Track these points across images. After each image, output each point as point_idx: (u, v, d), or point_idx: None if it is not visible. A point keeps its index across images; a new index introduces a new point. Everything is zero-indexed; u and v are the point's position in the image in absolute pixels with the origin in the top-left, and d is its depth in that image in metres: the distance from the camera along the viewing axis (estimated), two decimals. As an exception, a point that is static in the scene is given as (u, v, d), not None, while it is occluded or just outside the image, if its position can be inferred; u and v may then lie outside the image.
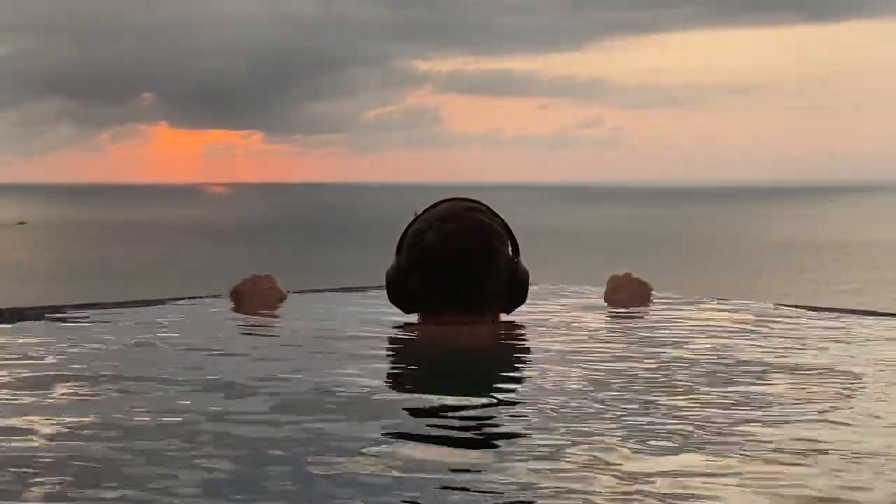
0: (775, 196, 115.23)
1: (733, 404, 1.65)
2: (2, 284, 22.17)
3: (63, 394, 1.73)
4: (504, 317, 2.40)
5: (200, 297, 2.91)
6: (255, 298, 2.76)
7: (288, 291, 2.86)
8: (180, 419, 1.53)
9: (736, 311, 2.86)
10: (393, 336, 2.33)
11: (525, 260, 2.42)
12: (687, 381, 1.84)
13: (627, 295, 2.89)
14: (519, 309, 2.49)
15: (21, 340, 2.23)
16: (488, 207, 2.37)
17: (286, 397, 1.68)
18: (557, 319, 2.62)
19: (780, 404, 1.68)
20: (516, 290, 2.33)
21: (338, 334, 2.35)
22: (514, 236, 2.36)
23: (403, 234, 2.36)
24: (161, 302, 2.88)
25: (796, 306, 2.91)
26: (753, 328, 2.51)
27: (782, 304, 2.96)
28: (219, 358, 2.05)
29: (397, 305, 2.38)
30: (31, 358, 2.04)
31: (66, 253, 30.86)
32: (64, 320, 2.57)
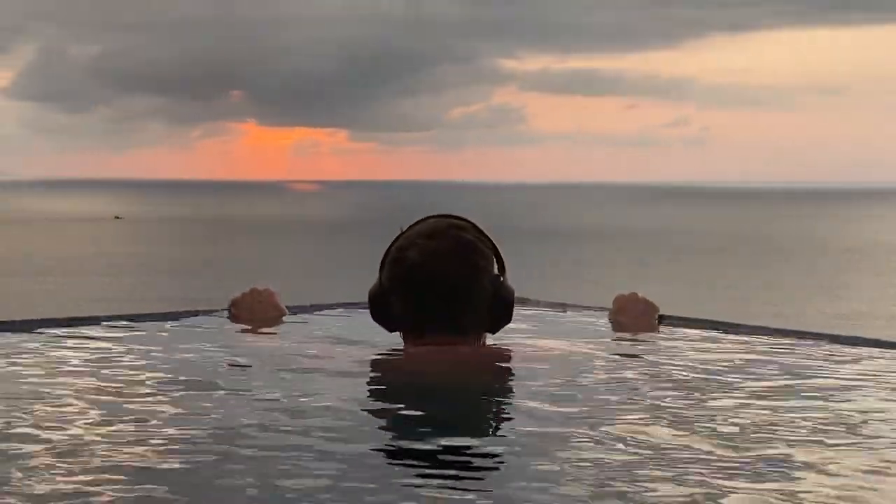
0: (864, 198, 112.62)
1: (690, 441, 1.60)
2: (103, 278, 23.04)
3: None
4: (490, 337, 2.35)
5: (196, 312, 2.88)
6: (252, 312, 2.75)
7: (287, 306, 2.83)
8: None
9: (735, 340, 2.70)
10: (370, 359, 2.28)
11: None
12: (667, 422, 1.75)
13: (632, 317, 2.81)
14: (514, 329, 2.45)
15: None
16: (474, 225, 2.32)
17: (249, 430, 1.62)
18: (550, 342, 2.55)
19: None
20: (500, 310, 2.27)
21: (318, 356, 2.31)
22: (499, 254, 2.31)
23: (387, 251, 2.31)
24: (159, 317, 2.85)
25: (813, 334, 2.77)
26: (741, 360, 2.37)
27: (792, 332, 2.81)
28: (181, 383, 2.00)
29: (380, 324, 2.32)
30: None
31: (159, 248, 31.80)
32: (68, 337, 2.54)
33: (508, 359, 2.30)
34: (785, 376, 2.21)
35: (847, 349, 2.57)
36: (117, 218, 50.01)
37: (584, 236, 38.62)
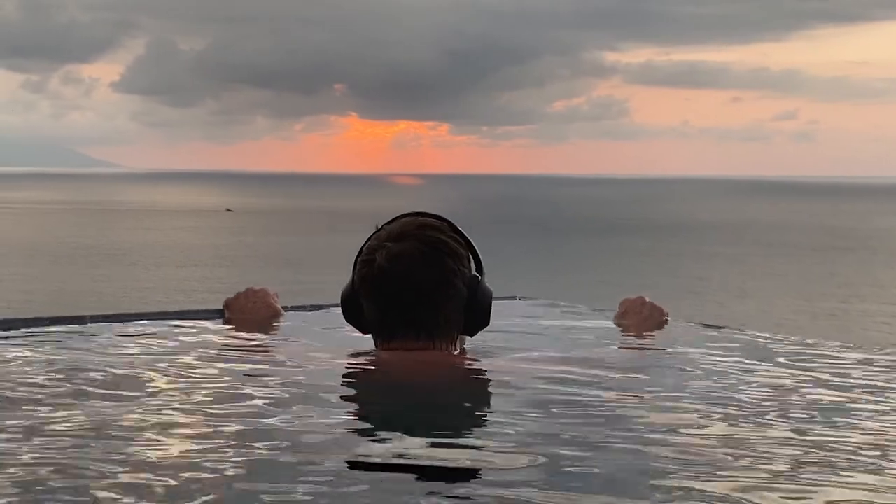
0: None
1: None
2: (217, 269, 23.79)
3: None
4: (469, 340, 2.28)
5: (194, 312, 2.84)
6: (245, 313, 2.73)
7: (284, 307, 2.80)
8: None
9: (736, 343, 2.58)
10: (339, 365, 2.21)
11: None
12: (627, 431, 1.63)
13: (637, 320, 2.74)
14: (511, 331, 2.44)
15: None
16: (450, 223, 2.25)
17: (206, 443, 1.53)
18: (537, 347, 2.45)
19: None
20: (477, 312, 2.19)
21: (287, 360, 2.25)
22: (477, 255, 2.24)
23: (360, 249, 2.25)
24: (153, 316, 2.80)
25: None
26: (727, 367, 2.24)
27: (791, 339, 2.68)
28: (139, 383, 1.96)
29: (353, 325, 2.28)
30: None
31: (269, 239, 32.59)
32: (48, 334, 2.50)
33: (477, 366, 2.20)
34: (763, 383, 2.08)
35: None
36: (228, 210, 51.39)
37: (683, 230, 38.29)
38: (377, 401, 1.91)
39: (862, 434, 1.67)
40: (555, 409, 1.76)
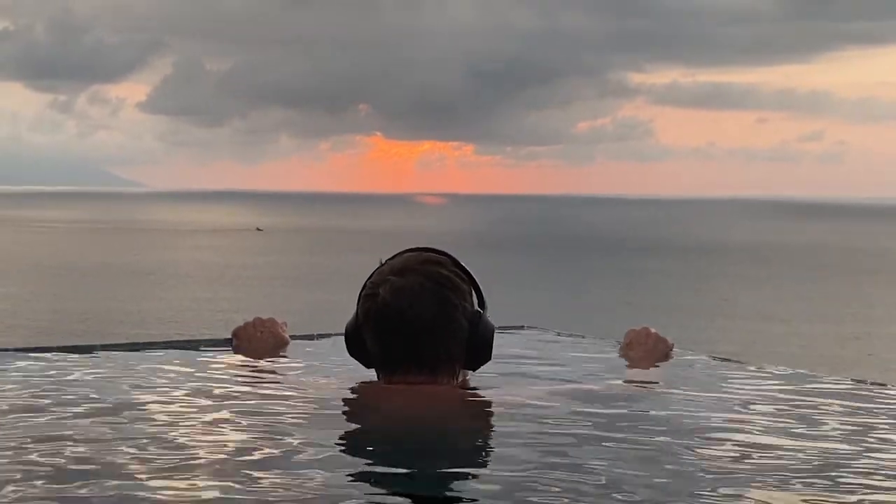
0: None
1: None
2: (252, 288, 24.03)
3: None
4: (471, 374, 2.28)
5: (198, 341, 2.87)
6: (253, 342, 2.75)
7: (291, 336, 2.80)
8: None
9: (751, 377, 2.55)
10: (339, 398, 2.23)
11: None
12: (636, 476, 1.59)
13: (642, 352, 2.72)
14: (515, 362, 2.50)
15: None
16: (452, 258, 2.27)
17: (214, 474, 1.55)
18: (543, 379, 2.44)
19: None
20: (479, 347, 2.21)
21: (289, 393, 2.26)
22: (479, 290, 2.26)
23: (364, 284, 2.27)
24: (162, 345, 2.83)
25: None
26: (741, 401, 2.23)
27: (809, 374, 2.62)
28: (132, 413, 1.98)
29: (356, 359, 2.29)
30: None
31: (301, 258, 32.82)
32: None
33: (479, 399, 2.21)
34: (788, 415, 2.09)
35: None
36: (258, 230, 51.93)
37: (710, 252, 38.26)
38: (377, 435, 1.92)
39: (854, 475, 1.64)
40: (556, 442, 1.76)
